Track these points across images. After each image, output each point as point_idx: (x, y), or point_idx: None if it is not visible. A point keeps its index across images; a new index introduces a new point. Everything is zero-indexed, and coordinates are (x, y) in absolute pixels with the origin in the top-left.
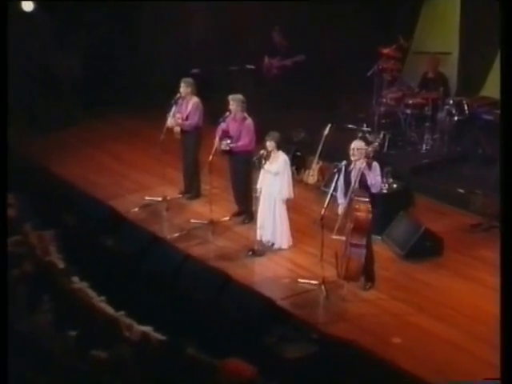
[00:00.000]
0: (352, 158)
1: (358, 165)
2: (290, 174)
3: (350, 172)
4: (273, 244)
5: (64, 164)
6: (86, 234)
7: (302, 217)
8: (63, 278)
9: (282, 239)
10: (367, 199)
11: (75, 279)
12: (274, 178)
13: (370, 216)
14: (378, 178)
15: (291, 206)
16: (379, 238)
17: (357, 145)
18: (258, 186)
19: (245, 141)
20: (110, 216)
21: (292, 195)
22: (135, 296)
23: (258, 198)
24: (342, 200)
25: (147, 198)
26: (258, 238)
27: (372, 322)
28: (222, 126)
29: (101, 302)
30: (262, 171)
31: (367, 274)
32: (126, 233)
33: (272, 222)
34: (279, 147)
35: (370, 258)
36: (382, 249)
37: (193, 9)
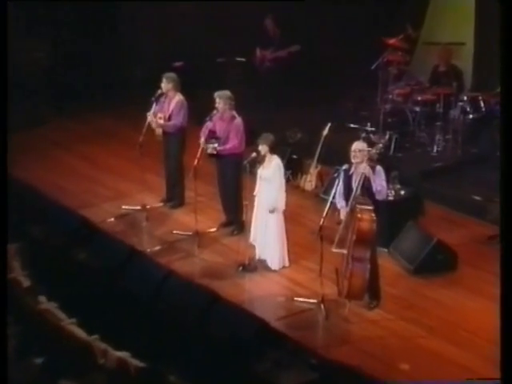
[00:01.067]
0: (353, 161)
1: (361, 169)
2: (283, 180)
3: (351, 177)
4: (264, 260)
5: (30, 168)
6: (54, 247)
7: (299, 227)
8: (28, 297)
9: (273, 258)
10: (371, 207)
11: (42, 299)
12: (266, 185)
13: (375, 226)
14: (384, 183)
15: (286, 215)
16: (385, 250)
17: (358, 146)
18: (255, 193)
19: (233, 142)
20: (82, 227)
21: (283, 206)
22: (110, 318)
23: (248, 207)
24: (342, 204)
25: (124, 206)
26: (254, 254)
27: (377, 346)
28: (208, 125)
29: (71, 325)
30: (258, 177)
31: (372, 291)
32: (100, 246)
33: (263, 235)
34: (273, 150)
35: (374, 274)
36: (388, 263)
37: None
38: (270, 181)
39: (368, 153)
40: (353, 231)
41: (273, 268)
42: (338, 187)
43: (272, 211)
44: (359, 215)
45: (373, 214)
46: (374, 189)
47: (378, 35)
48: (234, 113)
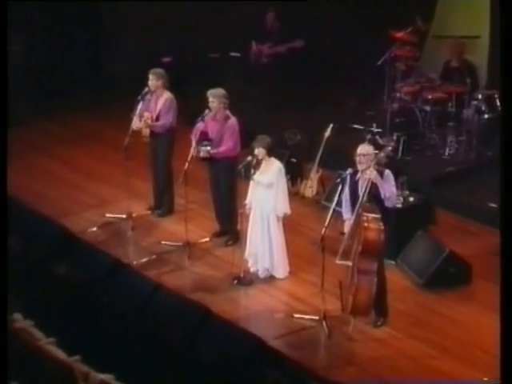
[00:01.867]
0: (359, 167)
1: (367, 174)
2: (285, 184)
3: (356, 182)
4: (267, 270)
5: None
6: (31, 259)
7: (299, 237)
8: None
9: (278, 267)
10: (378, 215)
11: (17, 316)
12: (267, 191)
13: (383, 236)
14: (394, 189)
15: (285, 223)
16: (393, 262)
17: (364, 150)
18: (248, 201)
19: (228, 145)
20: (62, 237)
21: (289, 210)
22: (93, 337)
23: (243, 215)
24: (347, 215)
25: (108, 215)
26: (250, 265)
27: (385, 367)
28: (200, 126)
29: (50, 345)
30: (251, 183)
31: (378, 307)
32: (81, 258)
33: (267, 245)
34: (269, 154)
35: (381, 288)
36: (396, 276)
37: None
38: (270, 186)
39: (375, 157)
40: (358, 241)
41: (278, 276)
42: (343, 194)
43: (280, 218)
44: (366, 224)
45: (380, 223)
46: (382, 195)
47: (384, 28)
48: (228, 113)
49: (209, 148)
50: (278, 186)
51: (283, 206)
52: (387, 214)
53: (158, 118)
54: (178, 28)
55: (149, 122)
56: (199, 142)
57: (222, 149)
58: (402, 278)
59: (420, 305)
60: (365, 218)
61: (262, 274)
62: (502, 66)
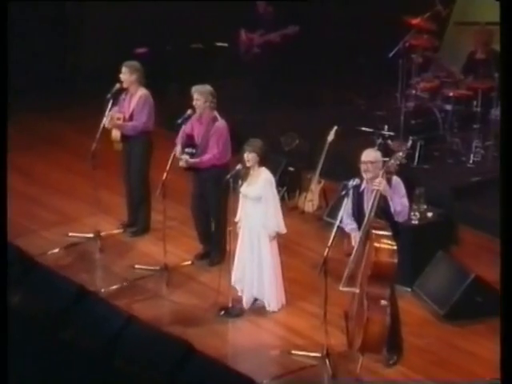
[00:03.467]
0: (364, 176)
1: (376, 185)
2: (276, 198)
3: (361, 194)
4: (255, 300)
5: None
6: None
7: (297, 259)
8: None
9: (270, 295)
10: (390, 233)
11: None
12: (255, 206)
13: (396, 257)
14: (405, 200)
15: (281, 243)
16: (408, 290)
17: (370, 156)
18: (238, 218)
19: (213, 152)
20: (17, 261)
21: (283, 228)
22: (52, 378)
23: (232, 234)
24: (352, 230)
25: (72, 234)
26: (239, 292)
27: None
28: (184, 129)
29: None
30: (240, 196)
31: (391, 342)
32: (39, 285)
33: (256, 270)
34: (263, 161)
35: (394, 320)
36: (412, 306)
37: None
38: (259, 200)
39: (384, 165)
40: (367, 264)
41: (271, 309)
42: (347, 208)
43: (273, 237)
44: (376, 244)
45: (393, 242)
46: (392, 209)
47: (397, 13)
48: (216, 114)
49: (187, 157)
50: (267, 199)
51: (275, 223)
52: (400, 232)
53: (130, 119)
54: (154, 13)
55: (120, 123)
56: (183, 147)
57: (207, 157)
58: (419, 309)
59: (440, 340)
60: (374, 237)
61: (247, 304)
62: (502, 66)
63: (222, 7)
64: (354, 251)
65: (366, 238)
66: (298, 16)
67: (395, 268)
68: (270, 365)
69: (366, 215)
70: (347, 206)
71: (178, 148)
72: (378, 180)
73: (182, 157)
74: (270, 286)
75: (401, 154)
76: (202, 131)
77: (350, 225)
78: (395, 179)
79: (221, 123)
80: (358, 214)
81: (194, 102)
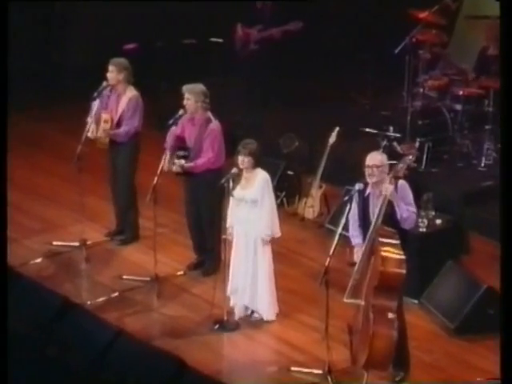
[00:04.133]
0: (368, 180)
1: (383, 190)
2: (273, 199)
3: (366, 199)
4: (252, 312)
5: None
6: None
7: (296, 269)
8: None
9: (265, 305)
10: (397, 241)
11: None
12: (252, 210)
13: (404, 267)
14: (412, 207)
15: (279, 251)
16: (416, 302)
17: (375, 159)
18: (229, 224)
19: (208, 156)
20: None
21: (277, 232)
22: None
23: (227, 242)
24: (357, 241)
25: (56, 242)
26: (231, 303)
27: None
28: (174, 130)
29: None
30: (231, 200)
31: (398, 357)
32: (21, 298)
33: (250, 277)
34: (258, 161)
35: (401, 334)
36: (420, 319)
37: None
38: (256, 204)
39: (390, 168)
40: (374, 274)
41: (268, 319)
42: (353, 215)
43: (267, 242)
44: (382, 253)
45: (401, 251)
46: (398, 215)
47: (403, 6)
48: (210, 115)
49: (182, 161)
50: (263, 201)
51: (270, 226)
52: (408, 240)
53: (119, 123)
54: (144, 7)
55: (107, 125)
56: (174, 151)
57: (201, 161)
58: (427, 322)
59: (450, 355)
60: (380, 245)
61: (239, 314)
62: (502, 66)
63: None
64: (358, 260)
65: (372, 246)
66: (297, 10)
67: (403, 279)
68: (267, 382)
69: (373, 222)
70: (353, 212)
71: (167, 152)
72: (385, 185)
73: (176, 161)
74: (264, 295)
75: (410, 157)
76: (195, 133)
77: (356, 238)
78: (401, 183)
79: (215, 125)
80: (363, 221)
81: (185, 102)
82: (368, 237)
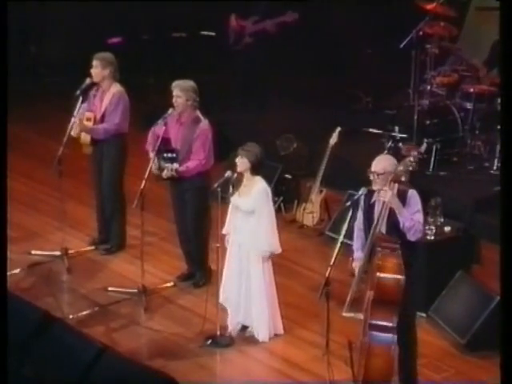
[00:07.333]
0: (374, 186)
1: (388, 196)
2: (272, 212)
3: (372, 206)
4: (246, 327)
5: None
6: None
7: (294, 280)
8: None
9: (259, 323)
10: (397, 251)
11: None
12: (247, 220)
13: (402, 278)
14: (418, 216)
15: (276, 262)
16: (423, 315)
17: (377, 166)
18: (225, 231)
19: (198, 158)
20: None
21: (277, 248)
22: None
23: (221, 250)
24: (359, 255)
25: (35, 251)
26: (229, 321)
27: None
28: (159, 130)
29: None
30: (230, 206)
31: (405, 375)
32: None
33: (244, 292)
34: (257, 168)
35: (409, 351)
36: (427, 334)
37: None
38: (251, 214)
39: (394, 172)
40: (371, 286)
41: (260, 339)
42: (356, 223)
43: (267, 258)
44: (380, 262)
45: (400, 261)
46: (401, 225)
47: None
48: (199, 113)
49: (176, 165)
50: (260, 213)
51: (267, 241)
52: (413, 250)
53: (102, 119)
54: None
55: (90, 124)
56: (159, 154)
57: (193, 164)
58: (436, 337)
59: (461, 373)
60: (380, 255)
61: (233, 331)
62: (502, 66)
63: None
64: (357, 271)
65: (373, 255)
66: (296, 2)
67: (402, 291)
68: None
69: (371, 230)
70: (358, 221)
71: (151, 153)
72: (383, 190)
73: (167, 165)
74: (261, 314)
75: (411, 159)
76: (183, 133)
77: (358, 251)
78: (411, 192)
79: (205, 124)
80: (368, 231)
81: (174, 100)
82: (367, 245)
